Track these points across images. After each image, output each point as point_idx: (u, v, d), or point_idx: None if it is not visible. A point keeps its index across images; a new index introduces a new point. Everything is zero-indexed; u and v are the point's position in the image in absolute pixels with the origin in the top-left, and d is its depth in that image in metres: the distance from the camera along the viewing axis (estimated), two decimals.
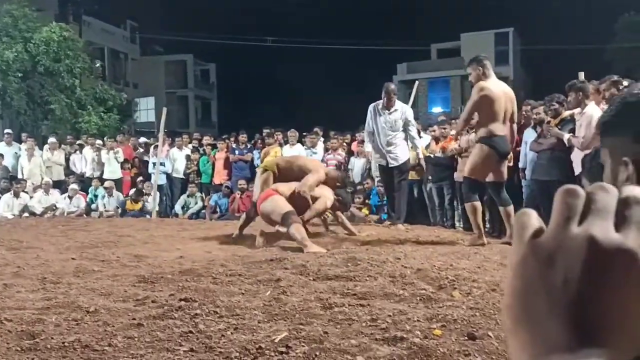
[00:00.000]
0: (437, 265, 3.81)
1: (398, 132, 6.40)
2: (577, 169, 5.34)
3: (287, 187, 5.20)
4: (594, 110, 5.21)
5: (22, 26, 16.94)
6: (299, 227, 4.81)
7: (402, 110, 6.51)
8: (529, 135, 6.17)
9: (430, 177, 7.71)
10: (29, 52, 16.62)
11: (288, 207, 4.97)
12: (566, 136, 5.43)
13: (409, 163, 6.65)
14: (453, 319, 2.68)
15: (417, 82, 10.59)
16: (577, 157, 5.37)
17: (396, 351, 2.26)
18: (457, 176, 7.07)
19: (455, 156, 7.15)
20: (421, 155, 6.72)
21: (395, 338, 2.39)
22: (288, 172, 5.43)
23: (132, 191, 10.01)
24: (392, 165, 6.45)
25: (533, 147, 5.83)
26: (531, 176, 5.93)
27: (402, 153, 6.46)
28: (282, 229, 4.95)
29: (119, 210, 9.64)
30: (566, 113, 5.69)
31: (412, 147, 6.61)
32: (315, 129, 9.70)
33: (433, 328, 2.53)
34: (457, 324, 2.62)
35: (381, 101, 6.46)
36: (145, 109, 31.14)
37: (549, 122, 5.68)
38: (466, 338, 2.44)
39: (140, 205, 9.75)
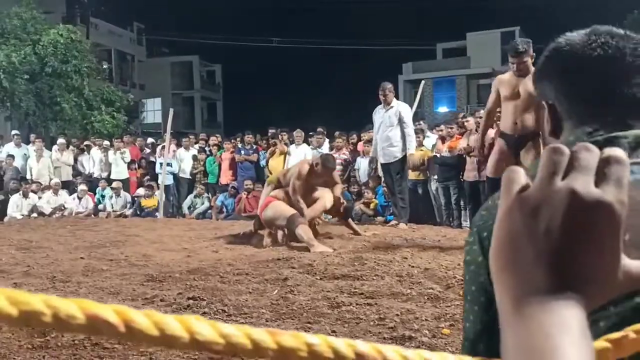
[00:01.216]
0: (444, 264, 3.82)
1: (393, 128, 6.47)
2: None
3: (282, 192, 5.25)
4: None
5: (31, 28, 17.07)
6: (305, 227, 4.82)
7: (397, 107, 6.61)
8: None
9: (436, 177, 7.71)
10: (37, 54, 16.75)
11: (291, 210, 5.00)
12: None
13: (405, 163, 6.64)
14: (461, 317, 2.67)
15: (423, 82, 10.58)
16: None
17: None
18: (467, 176, 7.06)
19: (464, 155, 7.14)
20: (412, 151, 6.67)
21: (403, 337, 2.40)
22: (288, 184, 5.41)
23: (141, 190, 10.07)
24: (386, 162, 6.56)
25: None
26: None
27: (396, 150, 6.51)
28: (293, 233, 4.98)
29: (134, 209, 9.64)
30: None
31: (408, 145, 6.60)
32: (319, 129, 9.70)
33: (441, 327, 2.54)
34: None
35: (381, 103, 6.67)
36: (152, 110, 31.30)
37: None
38: None
39: (155, 201, 9.78)
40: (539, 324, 0.32)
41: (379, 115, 6.63)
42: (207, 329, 0.32)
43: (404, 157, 6.56)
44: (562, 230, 0.34)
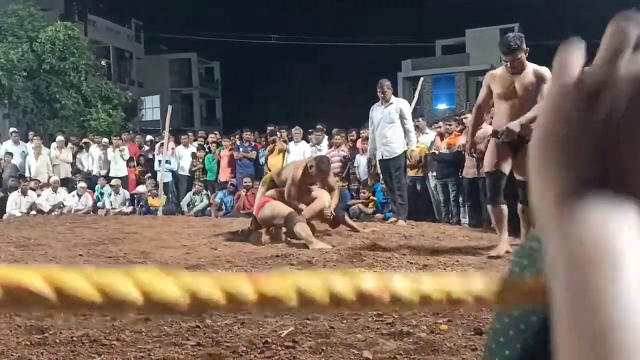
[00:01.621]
0: (443, 261, 3.82)
1: (393, 124, 6.48)
2: None
3: (277, 192, 5.24)
4: None
5: (28, 26, 17.05)
6: (303, 225, 4.82)
7: (397, 104, 6.62)
8: None
9: (434, 174, 7.71)
10: (35, 52, 16.73)
11: (288, 209, 4.97)
12: None
13: (404, 158, 6.67)
14: (459, 314, 2.68)
15: (422, 79, 10.56)
16: None
17: (402, 346, 2.26)
18: (466, 172, 7.06)
19: (463, 152, 7.13)
20: (413, 147, 6.76)
21: (401, 333, 2.40)
22: (282, 184, 5.38)
23: (144, 188, 10.08)
24: (385, 158, 6.56)
25: None
26: None
27: (395, 147, 6.53)
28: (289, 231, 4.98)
29: (140, 208, 9.61)
30: None
31: (407, 143, 6.64)
32: (319, 126, 9.70)
33: (439, 323, 2.54)
34: (464, 319, 2.62)
35: (379, 100, 6.68)
36: (151, 108, 31.26)
37: None
38: (473, 333, 2.45)
39: (163, 200, 9.77)
40: (591, 223, 0.27)
41: (378, 112, 6.63)
42: (161, 283, 0.26)
43: (404, 154, 6.58)
44: (625, 121, 0.28)
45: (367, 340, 2.32)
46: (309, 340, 2.30)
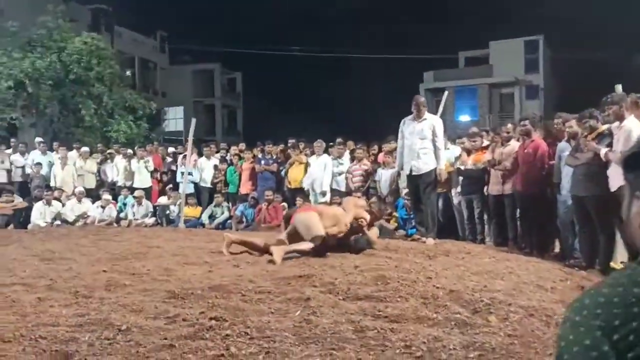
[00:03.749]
0: (471, 286, 3.72)
1: (425, 141, 6.47)
2: (614, 184, 5.16)
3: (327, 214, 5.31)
4: (633, 124, 5.04)
5: (56, 37, 17.44)
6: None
7: (431, 120, 6.57)
8: (563, 148, 6.00)
9: (459, 190, 7.58)
10: (62, 62, 17.09)
11: (322, 232, 5.07)
12: (603, 151, 5.25)
13: (434, 174, 6.57)
14: (491, 347, 2.59)
15: (446, 92, 10.46)
16: (614, 172, 5.19)
17: None
18: (491, 189, 6.93)
19: (488, 169, 7.01)
20: (442, 167, 6.64)
21: None
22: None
23: (163, 198, 10.19)
24: (415, 174, 6.50)
25: (568, 161, 5.66)
26: (567, 191, 5.75)
27: (427, 163, 6.48)
28: (303, 247, 4.98)
29: (179, 218, 9.67)
30: (603, 127, 5.51)
31: (436, 159, 6.57)
32: (339, 139, 9.66)
33: (471, 357, 2.45)
34: (496, 354, 2.53)
35: (412, 115, 6.62)
36: (174, 118, 31.65)
37: (585, 136, 5.51)
38: None
39: (198, 211, 9.88)
40: None
41: (409, 126, 6.60)
42: None
43: (434, 170, 6.53)
44: None
45: None
46: None
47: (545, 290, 3.86)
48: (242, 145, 11.09)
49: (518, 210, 6.67)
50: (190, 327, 2.85)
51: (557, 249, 6.49)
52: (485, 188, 7.18)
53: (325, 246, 5.18)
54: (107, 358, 2.33)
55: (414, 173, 6.53)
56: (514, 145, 6.79)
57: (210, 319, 2.99)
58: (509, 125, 7.22)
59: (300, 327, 2.87)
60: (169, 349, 2.51)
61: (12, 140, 12.37)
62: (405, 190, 8.28)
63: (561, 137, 6.18)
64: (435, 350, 2.52)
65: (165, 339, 2.65)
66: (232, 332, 2.76)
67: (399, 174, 7.07)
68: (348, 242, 5.38)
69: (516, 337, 2.77)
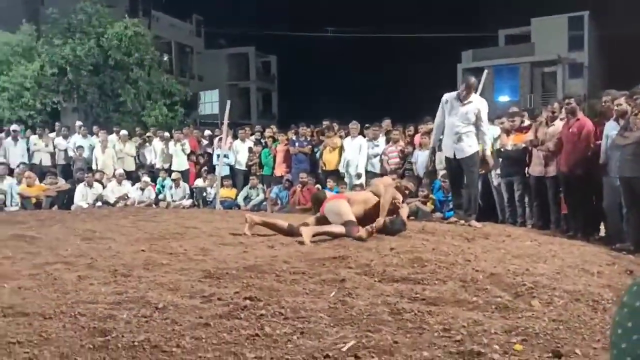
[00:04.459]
0: (512, 269, 3.59)
1: (469, 125, 6.14)
2: None
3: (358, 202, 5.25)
4: None
5: (95, 22, 17.78)
6: (350, 234, 4.86)
7: (477, 103, 6.21)
8: (611, 128, 5.71)
9: (498, 172, 7.35)
10: (101, 47, 17.42)
11: (352, 217, 5.00)
12: None
13: (477, 157, 6.29)
14: (535, 332, 2.48)
15: (486, 71, 10.09)
16: None
17: None
18: (532, 170, 6.70)
19: (530, 149, 6.77)
20: (488, 152, 6.37)
21: (471, 352, 2.23)
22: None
23: (200, 180, 10.32)
24: (459, 158, 6.20)
25: (617, 140, 5.40)
26: (615, 172, 5.49)
27: (470, 145, 6.18)
28: (334, 229, 4.91)
29: (216, 199, 9.76)
30: None
31: (480, 143, 6.29)
32: (376, 123, 9.53)
33: (513, 342, 2.35)
34: (540, 339, 2.42)
35: (456, 92, 6.25)
36: (210, 102, 31.97)
37: (636, 114, 5.22)
38: (550, 355, 2.25)
39: (234, 191, 10.02)
40: None
41: (453, 106, 6.19)
42: None
43: (477, 153, 6.24)
44: None
45: (434, 359, 2.17)
46: (372, 357, 2.18)
47: (592, 274, 3.69)
48: (274, 128, 11.07)
49: (561, 192, 6.43)
50: (225, 307, 2.85)
51: (602, 233, 6.24)
52: (526, 169, 6.95)
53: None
54: (143, 335, 2.35)
55: (457, 157, 6.22)
56: (559, 125, 6.52)
57: (245, 298, 2.98)
58: (555, 104, 6.93)
59: (335, 308, 2.83)
60: (204, 327, 2.51)
61: (57, 124, 12.75)
62: (443, 172, 8.10)
63: (609, 116, 5.89)
64: (475, 335, 2.43)
65: (201, 317, 2.65)
66: (266, 312, 2.74)
67: (434, 151, 6.72)
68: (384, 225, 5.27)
69: (561, 322, 2.65)
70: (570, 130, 6.12)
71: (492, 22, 29.19)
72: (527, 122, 7.35)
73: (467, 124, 6.13)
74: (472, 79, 6.31)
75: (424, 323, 2.61)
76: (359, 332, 2.48)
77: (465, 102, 6.13)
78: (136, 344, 2.25)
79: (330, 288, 3.24)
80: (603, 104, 6.04)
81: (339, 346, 2.28)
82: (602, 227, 6.28)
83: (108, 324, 2.50)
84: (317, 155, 9.79)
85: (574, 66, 26.66)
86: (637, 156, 5.13)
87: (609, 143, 5.62)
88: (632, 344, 0.54)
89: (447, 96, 6.30)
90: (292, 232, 5.09)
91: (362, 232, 4.86)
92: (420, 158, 8.56)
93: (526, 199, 7.00)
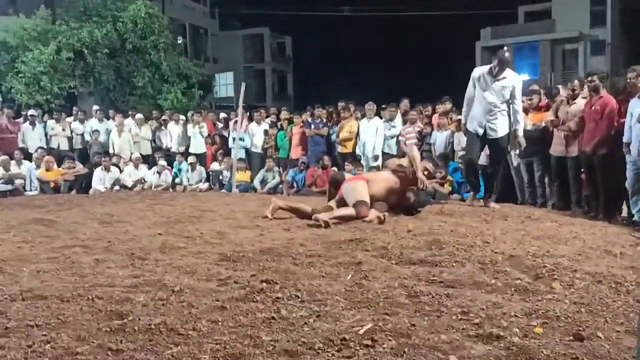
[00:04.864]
0: (532, 251, 3.52)
1: (504, 102, 5.75)
2: None
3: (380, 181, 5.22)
4: None
5: (111, 6, 17.76)
6: (359, 214, 4.85)
7: (512, 79, 5.79)
8: (635, 105, 5.54)
9: (517, 152, 7.21)
10: (118, 31, 17.42)
11: (366, 197, 4.96)
12: None
13: (507, 139, 5.93)
14: (555, 315, 2.43)
15: (505, 48, 9.83)
16: None
17: (493, 351, 2.06)
18: (553, 150, 6.55)
19: (551, 129, 6.61)
20: (520, 132, 5.94)
21: (490, 335, 2.19)
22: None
23: (215, 164, 10.34)
24: (489, 137, 5.83)
25: None
26: (638, 151, 5.33)
27: (503, 125, 5.80)
28: (346, 212, 4.90)
29: (232, 182, 9.77)
30: None
31: (513, 122, 5.87)
32: (393, 104, 9.36)
33: (533, 325, 2.30)
34: (561, 322, 2.37)
35: (488, 67, 5.84)
36: (225, 84, 31.93)
37: None
38: (572, 338, 2.20)
39: (249, 174, 10.03)
40: None
41: (486, 82, 5.77)
42: None
43: (507, 135, 5.88)
44: None
45: (452, 342, 2.14)
46: (389, 340, 2.15)
47: (614, 255, 3.61)
48: (286, 113, 10.96)
49: (583, 173, 6.29)
50: (242, 290, 2.84)
51: (624, 214, 6.10)
52: (546, 149, 6.80)
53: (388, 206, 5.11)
54: (160, 318, 2.35)
55: (489, 137, 5.83)
56: (580, 103, 6.34)
57: (261, 281, 2.97)
58: (576, 82, 6.73)
59: (351, 291, 2.81)
60: (220, 310, 2.50)
61: (74, 108, 12.84)
62: (461, 153, 7.96)
63: (634, 93, 5.70)
64: (494, 317, 2.39)
65: (217, 300, 2.65)
66: (282, 295, 2.73)
67: (466, 129, 6.11)
68: (408, 200, 5.21)
69: (583, 304, 2.59)
70: (593, 108, 5.95)
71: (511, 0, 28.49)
72: (545, 101, 7.17)
73: (502, 101, 5.75)
74: (506, 54, 5.91)
75: (441, 306, 2.57)
76: (376, 315, 2.45)
77: (500, 77, 5.74)
78: (153, 327, 2.26)
79: (347, 271, 3.21)
80: (628, 80, 5.85)
81: (355, 329, 2.26)
82: (624, 207, 6.14)
83: (125, 307, 2.51)
84: (333, 137, 9.71)
85: (596, 43, 25.93)
86: None
87: (633, 121, 5.45)
88: None
89: (478, 71, 5.91)
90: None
91: (371, 215, 4.82)
92: (439, 139, 8.44)
93: (546, 180, 6.87)
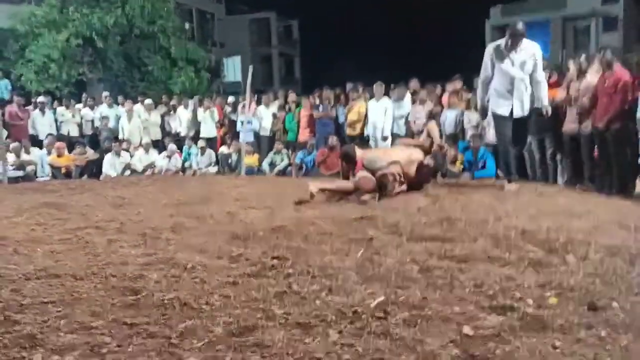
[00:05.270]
0: (545, 226, 3.49)
1: (526, 75, 5.41)
2: None
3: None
4: None
5: None
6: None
7: (532, 48, 5.42)
8: None
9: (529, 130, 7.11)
10: (127, 15, 17.35)
11: (384, 164, 5.07)
12: None
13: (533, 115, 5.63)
14: (570, 286, 2.41)
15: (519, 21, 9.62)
16: None
17: (507, 321, 2.05)
18: (566, 127, 6.46)
19: (563, 106, 6.51)
20: (546, 102, 5.55)
21: (504, 307, 2.18)
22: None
23: (224, 147, 10.35)
24: (516, 116, 5.46)
25: None
26: None
27: (529, 101, 5.47)
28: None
29: (241, 165, 9.76)
30: None
31: (537, 96, 5.51)
32: (401, 83, 9.26)
33: (547, 296, 2.29)
34: (574, 292, 2.35)
35: (503, 41, 5.49)
36: (232, 68, 31.81)
37: None
38: (586, 308, 2.18)
39: (256, 159, 10.03)
40: None
41: (505, 57, 5.41)
42: None
43: (535, 108, 5.57)
44: None
45: (466, 314, 2.13)
46: (402, 312, 2.15)
47: (629, 229, 3.56)
48: (293, 96, 10.90)
49: (595, 149, 6.20)
50: (253, 266, 2.85)
51: (638, 189, 6.03)
52: (559, 127, 6.71)
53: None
54: (173, 294, 2.37)
55: (517, 114, 5.45)
56: (591, 79, 6.23)
57: (273, 258, 2.98)
58: (582, 57, 6.61)
59: (363, 267, 2.80)
60: (232, 285, 2.51)
61: (83, 95, 12.86)
62: (471, 133, 7.88)
63: None
64: (508, 290, 2.38)
65: (229, 276, 2.66)
66: (294, 271, 2.73)
67: (484, 110, 5.80)
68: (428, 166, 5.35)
69: (597, 276, 2.57)
70: (607, 83, 5.84)
71: None
72: (554, 77, 7.05)
73: (524, 72, 5.40)
74: (519, 25, 5.47)
75: (454, 279, 2.56)
76: (388, 288, 2.45)
77: (518, 49, 5.37)
78: (166, 301, 2.27)
79: (358, 247, 3.21)
80: None
81: (367, 302, 2.25)
82: (638, 182, 6.06)
83: (138, 284, 2.53)
84: (342, 119, 9.65)
85: (608, 20, 25.40)
86: None
87: None
88: None
89: (493, 46, 5.56)
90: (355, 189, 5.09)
91: (366, 196, 4.84)
92: (449, 118, 8.35)
93: (558, 157, 6.79)
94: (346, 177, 5.54)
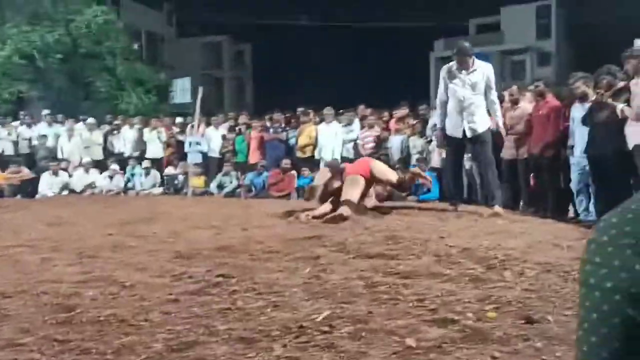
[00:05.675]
0: (485, 244, 3.61)
1: (479, 96, 5.39)
2: (631, 142, 5.00)
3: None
4: None
5: (62, 9, 17.20)
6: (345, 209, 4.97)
7: (484, 70, 5.47)
8: (577, 110, 5.81)
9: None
10: (70, 35, 16.87)
11: (356, 197, 5.16)
12: (619, 107, 5.08)
13: (489, 133, 5.54)
14: (507, 300, 2.49)
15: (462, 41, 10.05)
16: (631, 130, 5.03)
17: (448, 333, 2.09)
18: (504, 153, 6.76)
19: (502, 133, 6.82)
20: (501, 123, 5.65)
21: (445, 320, 2.22)
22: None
23: (170, 168, 10.13)
24: (470, 136, 5.41)
25: (586, 120, 5.48)
26: (583, 152, 5.57)
27: (483, 120, 5.45)
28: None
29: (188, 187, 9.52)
30: (620, 84, 5.32)
31: (492, 114, 5.56)
32: (351, 109, 9.47)
33: (486, 310, 2.35)
34: (512, 306, 2.43)
35: (454, 62, 5.51)
36: (182, 90, 31.41)
37: (602, 94, 5.31)
38: (523, 321, 2.26)
39: (202, 181, 9.81)
40: None
41: (457, 78, 5.40)
42: None
43: (489, 129, 5.54)
44: None
45: (408, 327, 2.16)
46: (347, 325, 2.15)
47: (562, 248, 3.73)
48: (244, 118, 10.89)
49: (531, 174, 6.52)
50: (196, 284, 2.78)
51: (571, 214, 6.35)
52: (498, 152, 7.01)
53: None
54: (110, 310, 2.27)
55: (468, 135, 5.40)
56: (524, 107, 6.60)
57: (217, 276, 2.92)
58: (514, 88, 7.01)
59: (309, 283, 2.79)
60: (173, 302, 2.44)
61: (21, 113, 12.32)
62: (417, 157, 8.12)
63: (575, 98, 5.98)
64: (449, 304, 2.43)
65: (170, 294, 2.58)
66: (239, 288, 2.69)
67: (443, 132, 5.67)
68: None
69: (533, 291, 2.67)
70: (540, 112, 6.20)
71: (463, 12, 29.39)
72: None
73: (478, 94, 5.39)
74: (465, 44, 5.62)
75: (398, 294, 2.59)
76: (334, 304, 2.45)
77: (471, 69, 5.42)
78: (102, 318, 2.18)
79: (305, 265, 3.20)
80: (570, 86, 6.13)
81: (313, 317, 2.24)
82: (571, 208, 6.40)
83: (73, 301, 2.41)
84: (292, 141, 9.70)
85: (542, 54, 27.13)
86: (604, 134, 5.23)
87: (575, 124, 5.72)
88: (600, 278, 0.53)
89: (445, 68, 5.59)
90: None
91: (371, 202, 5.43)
92: (395, 143, 8.57)
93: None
94: (328, 192, 5.47)
